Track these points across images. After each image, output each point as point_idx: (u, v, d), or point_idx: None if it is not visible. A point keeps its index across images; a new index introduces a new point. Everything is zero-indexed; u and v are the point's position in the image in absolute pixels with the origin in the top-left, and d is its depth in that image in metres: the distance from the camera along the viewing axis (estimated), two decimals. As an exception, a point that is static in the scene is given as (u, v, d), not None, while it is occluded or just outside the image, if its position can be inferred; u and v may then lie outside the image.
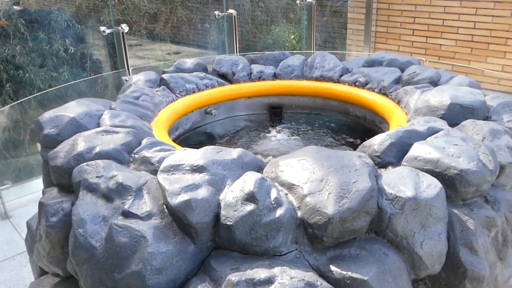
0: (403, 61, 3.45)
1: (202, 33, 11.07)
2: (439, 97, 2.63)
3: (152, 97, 3.16)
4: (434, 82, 3.16)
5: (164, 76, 3.30)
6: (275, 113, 3.77)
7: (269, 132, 3.54)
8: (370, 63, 3.59)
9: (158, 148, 2.23)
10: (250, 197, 1.71)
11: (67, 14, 7.65)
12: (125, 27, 5.01)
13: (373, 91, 3.41)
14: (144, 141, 2.31)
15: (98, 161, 2.06)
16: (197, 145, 3.24)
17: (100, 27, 4.99)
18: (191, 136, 3.49)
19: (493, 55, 6.40)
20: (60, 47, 7.38)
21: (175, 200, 1.75)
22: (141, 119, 2.72)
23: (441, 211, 1.82)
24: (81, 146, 2.20)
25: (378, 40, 7.58)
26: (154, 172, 2.03)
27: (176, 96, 3.38)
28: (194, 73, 3.55)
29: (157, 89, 3.33)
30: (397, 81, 3.36)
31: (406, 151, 2.11)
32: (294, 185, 1.81)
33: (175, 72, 3.54)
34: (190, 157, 1.96)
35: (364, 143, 2.24)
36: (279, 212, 1.69)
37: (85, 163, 2.06)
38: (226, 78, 3.59)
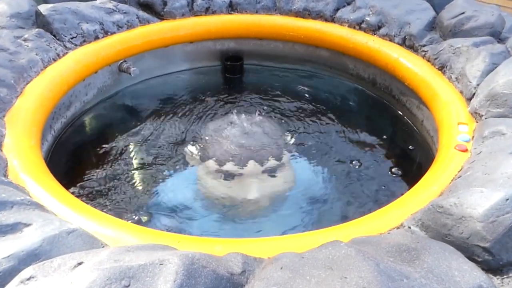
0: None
1: None
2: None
3: (15, 53, 1.72)
4: (497, 33, 1.92)
5: (43, 8, 2.04)
6: (232, 68, 2.41)
7: (224, 105, 2.20)
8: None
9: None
10: None
11: None
12: None
13: (391, 40, 2.11)
14: None
15: None
16: (97, 146, 1.90)
17: None
18: (94, 120, 2.12)
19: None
20: None
21: None
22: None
23: None
24: None
25: None
26: None
27: (65, 46, 1.93)
28: (98, 2, 2.06)
29: (27, 34, 1.85)
30: (431, 25, 2.07)
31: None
32: None
33: (63, 0, 2.03)
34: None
35: (441, 203, 1.03)
36: None
37: None
38: (153, 10, 2.36)
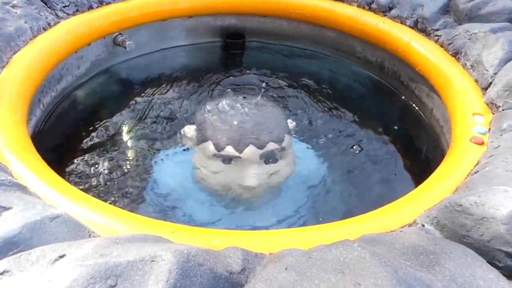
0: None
1: None
2: None
3: (2, 20, 1.64)
4: (516, 19, 1.81)
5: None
6: (233, 45, 2.29)
7: (224, 83, 2.10)
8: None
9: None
10: None
11: None
12: None
13: (402, 23, 2.01)
14: None
15: None
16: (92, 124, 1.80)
17: None
18: (86, 95, 2.01)
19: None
20: None
21: None
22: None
23: None
24: None
25: None
26: None
27: (57, 15, 1.82)
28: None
29: (15, 1, 1.74)
30: (446, 9, 1.96)
31: None
32: None
33: (55, -34, 1.91)
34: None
35: (460, 201, 0.95)
36: None
37: None
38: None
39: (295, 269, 0.76)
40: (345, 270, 0.73)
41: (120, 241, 0.81)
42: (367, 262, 0.73)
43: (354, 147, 1.82)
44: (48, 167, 1.22)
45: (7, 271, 0.71)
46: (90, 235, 0.95)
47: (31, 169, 1.14)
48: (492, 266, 0.87)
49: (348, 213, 1.46)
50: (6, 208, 0.94)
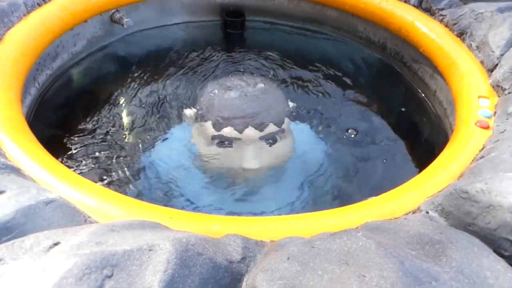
0: None
1: None
2: None
3: None
4: (523, -1, 1.75)
5: None
6: (233, 24, 2.24)
7: (224, 63, 2.05)
8: None
9: None
10: None
11: None
12: None
13: (406, 2, 1.96)
14: None
15: None
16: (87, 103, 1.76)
17: None
18: (83, 73, 1.96)
19: None
20: None
21: None
22: None
23: None
24: None
25: None
26: None
27: (51, -10, 1.77)
28: None
29: (8, -24, 1.68)
30: (451, -13, 1.91)
31: None
32: None
33: None
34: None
35: (465, 188, 0.93)
36: None
37: None
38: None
39: (297, 259, 0.74)
40: (349, 261, 0.71)
41: (117, 228, 0.79)
42: (373, 252, 0.71)
43: (350, 131, 1.78)
44: (43, 149, 1.18)
45: (-1, 260, 0.69)
46: (85, 220, 0.93)
47: (25, 150, 1.11)
48: (498, 255, 0.85)
49: (349, 198, 1.44)
50: (-1, 192, 0.91)
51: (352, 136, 1.76)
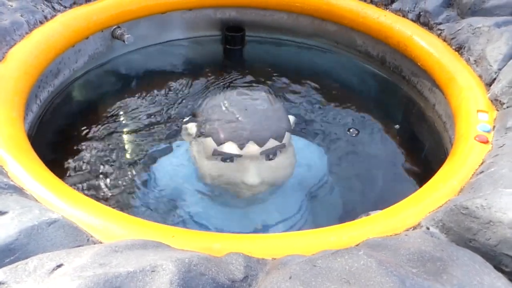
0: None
1: None
2: None
3: None
4: (520, 13, 1.78)
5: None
6: (233, 39, 2.26)
7: (224, 78, 2.06)
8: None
9: None
10: None
11: None
12: None
13: (404, 16, 1.98)
14: None
15: None
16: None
17: None
18: (84, 89, 1.97)
19: None
20: None
21: None
22: None
23: None
24: None
25: None
26: None
27: (53, 8, 1.79)
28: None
29: (11, -6, 1.71)
30: (448, 2, 1.93)
31: None
32: None
33: (51, -42, 1.86)
34: None
35: (466, 204, 0.94)
36: None
37: None
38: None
39: (299, 278, 0.74)
40: (351, 280, 0.72)
41: (120, 249, 0.79)
42: (374, 271, 0.72)
43: (351, 130, 1.81)
44: (46, 168, 1.19)
45: (3, 283, 0.69)
46: (88, 239, 0.93)
47: (28, 170, 1.12)
48: (499, 270, 0.86)
49: (349, 214, 1.44)
50: (2, 213, 0.91)
51: (353, 135, 1.78)
